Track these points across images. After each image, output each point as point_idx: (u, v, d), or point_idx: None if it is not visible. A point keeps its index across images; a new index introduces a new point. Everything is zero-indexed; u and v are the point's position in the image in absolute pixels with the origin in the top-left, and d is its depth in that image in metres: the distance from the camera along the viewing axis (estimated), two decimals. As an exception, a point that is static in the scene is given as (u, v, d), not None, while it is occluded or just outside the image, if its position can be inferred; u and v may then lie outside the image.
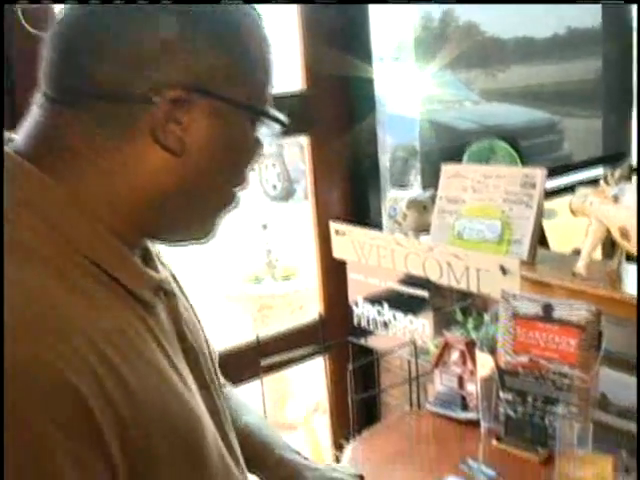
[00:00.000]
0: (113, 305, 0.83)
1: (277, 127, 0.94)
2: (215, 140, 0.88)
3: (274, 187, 10.32)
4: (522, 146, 3.47)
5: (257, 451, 1.25)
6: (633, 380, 1.90)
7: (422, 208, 2.32)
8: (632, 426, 1.90)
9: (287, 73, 2.22)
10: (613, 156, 3.85)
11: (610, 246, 2.10)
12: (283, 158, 10.01)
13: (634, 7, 2.80)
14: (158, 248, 1.03)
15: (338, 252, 2.40)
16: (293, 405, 4.13)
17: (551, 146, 4.57)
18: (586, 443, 1.78)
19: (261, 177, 10.25)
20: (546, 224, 2.99)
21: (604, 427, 1.90)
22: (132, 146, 0.84)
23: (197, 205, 0.91)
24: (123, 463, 0.77)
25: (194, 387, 0.92)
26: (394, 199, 2.40)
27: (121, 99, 0.83)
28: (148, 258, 0.95)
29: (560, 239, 2.79)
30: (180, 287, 1.07)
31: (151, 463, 0.80)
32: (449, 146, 3.58)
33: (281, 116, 0.94)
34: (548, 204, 3.22)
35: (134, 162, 0.85)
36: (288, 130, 0.96)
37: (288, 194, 10.22)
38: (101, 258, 0.83)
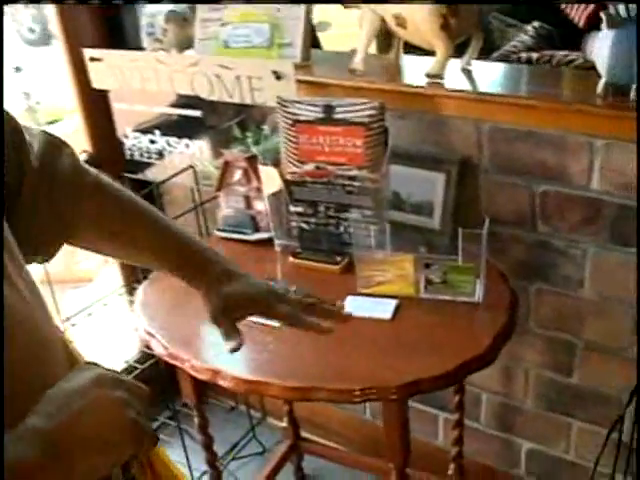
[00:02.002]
0: None
1: None
2: None
3: (31, 30, 9.54)
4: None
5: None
6: (422, 173, 1.84)
7: (182, 20, 2.10)
8: (427, 221, 1.85)
9: None
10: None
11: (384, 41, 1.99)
12: (37, -3, 9.24)
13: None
14: None
15: (97, 81, 2.15)
16: (85, 258, 3.92)
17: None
18: (384, 245, 1.72)
19: (15, 19, 9.43)
20: (320, 36, 2.85)
21: (400, 226, 1.84)
22: None
23: None
24: None
25: None
26: (151, 14, 2.15)
27: None
28: None
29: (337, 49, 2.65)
30: None
31: None
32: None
33: None
34: (321, 17, 3.07)
35: None
36: None
37: (48, 37, 9.47)
38: None
